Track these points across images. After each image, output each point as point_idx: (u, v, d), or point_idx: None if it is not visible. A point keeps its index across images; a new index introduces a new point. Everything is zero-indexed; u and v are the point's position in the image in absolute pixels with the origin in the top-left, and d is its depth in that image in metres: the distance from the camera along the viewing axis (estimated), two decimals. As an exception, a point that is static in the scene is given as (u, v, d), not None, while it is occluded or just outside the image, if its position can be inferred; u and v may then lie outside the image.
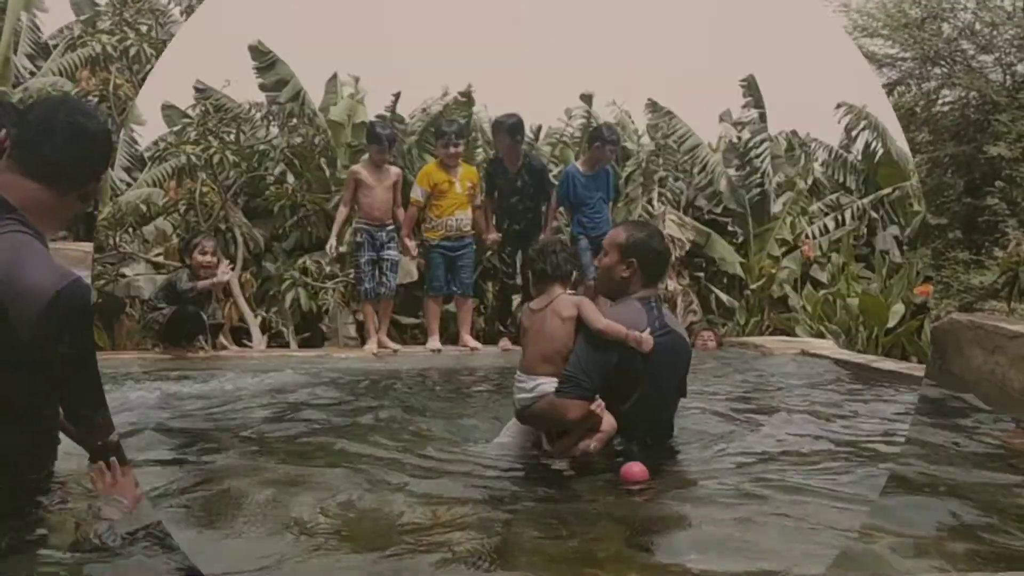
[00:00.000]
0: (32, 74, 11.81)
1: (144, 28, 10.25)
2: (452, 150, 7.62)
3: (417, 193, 7.78)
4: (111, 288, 10.07)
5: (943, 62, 9.54)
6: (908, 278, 11.52)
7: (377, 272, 7.64)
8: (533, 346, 3.63)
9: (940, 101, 10.09)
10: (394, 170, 7.88)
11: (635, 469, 3.32)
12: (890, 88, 10.75)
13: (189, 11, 10.74)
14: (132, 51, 9.98)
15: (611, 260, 3.78)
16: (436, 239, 7.70)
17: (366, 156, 8.00)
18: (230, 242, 10.60)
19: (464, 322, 7.99)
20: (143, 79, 10.22)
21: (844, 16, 10.51)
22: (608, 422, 3.54)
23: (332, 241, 7.79)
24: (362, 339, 8.75)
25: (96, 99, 10.29)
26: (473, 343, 7.86)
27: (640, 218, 11.93)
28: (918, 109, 10.02)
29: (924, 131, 10.01)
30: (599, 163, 8.02)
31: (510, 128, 7.78)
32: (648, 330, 3.55)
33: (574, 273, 3.86)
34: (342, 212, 7.77)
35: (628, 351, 3.50)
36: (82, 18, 12.00)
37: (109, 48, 10.11)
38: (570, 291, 3.81)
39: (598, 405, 3.50)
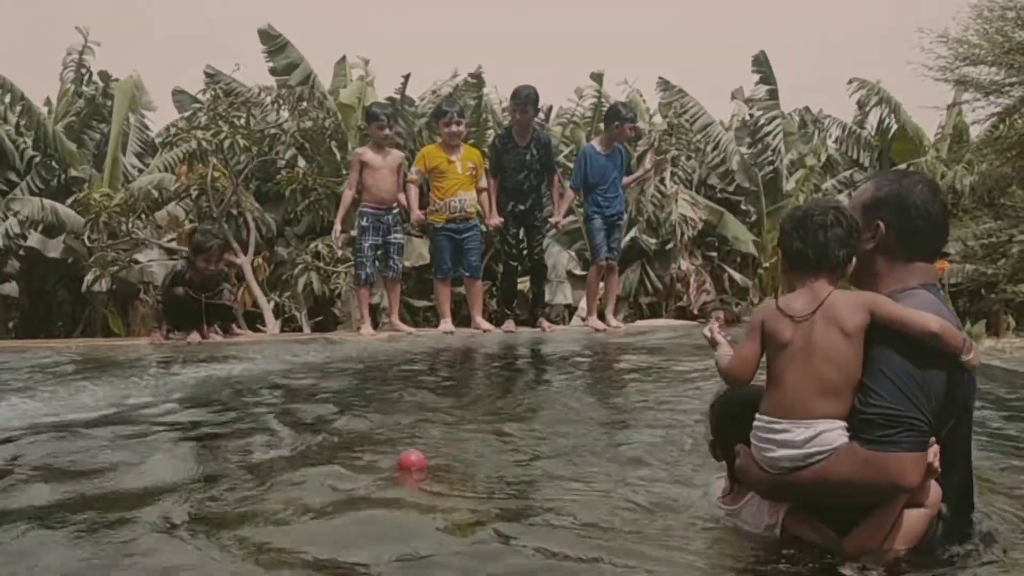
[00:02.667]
0: (140, 171, 12.06)
1: (239, 120, 10.50)
2: (454, 128, 7.49)
3: (413, 172, 7.69)
4: (125, 274, 10.14)
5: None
6: (923, 254, 11.43)
7: (383, 256, 7.56)
8: (802, 372, 2.32)
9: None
10: (397, 152, 7.79)
11: (413, 458, 2.99)
12: (1002, 116, 10.45)
13: (279, 100, 10.95)
14: (226, 143, 10.20)
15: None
16: (440, 222, 7.58)
17: (371, 139, 7.91)
18: (242, 227, 10.64)
19: (475, 304, 7.89)
20: (240, 170, 10.46)
21: (943, 46, 10.16)
22: (934, 491, 2.26)
23: (337, 227, 7.71)
24: (374, 321, 8.75)
25: (196, 192, 10.51)
26: (486, 325, 7.78)
27: (653, 198, 11.85)
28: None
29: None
30: (617, 142, 7.96)
31: (533, 100, 7.68)
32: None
33: (851, 259, 2.41)
34: (348, 196, 7.61)
35: (954, 369, 2.27)
36: (185, 115, 12.18)
37: (204, 143, 10.35)
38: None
39: (934, 452, 2.22)
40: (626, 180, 8.28)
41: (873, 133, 14.28)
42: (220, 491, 2.83)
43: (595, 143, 8.08)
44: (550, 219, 7.96)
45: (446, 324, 7.69)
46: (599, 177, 7.80)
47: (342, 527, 2.42)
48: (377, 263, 7.55)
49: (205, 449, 3.76)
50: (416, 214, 7.72)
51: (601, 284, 8.17)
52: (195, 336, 6.91)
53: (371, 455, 3.39)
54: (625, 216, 8.52)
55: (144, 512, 2.48)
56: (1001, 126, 10.70)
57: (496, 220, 7.71)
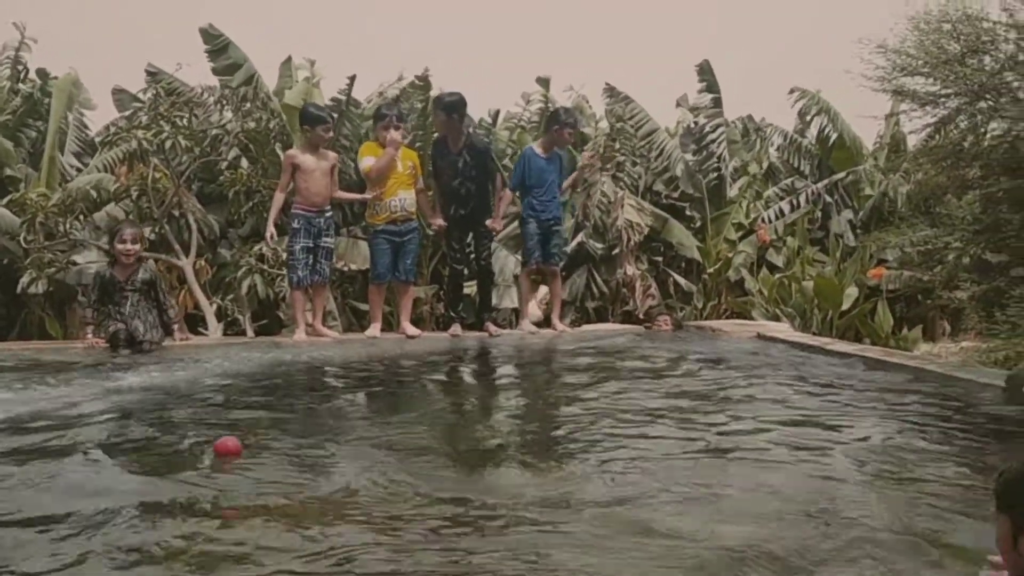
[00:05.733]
0: (79, 171, 11.69)
1: (181, 120, 10.26)
2: (393, 133, 7.43)
3: (369, 161, 7.52)
4: (62, 276, 9.90)
5: (988, 96, 9.33)
6: (862, 261, 11.71)
7: (312, 259, 7.41)
8: None
9: (989, 135, 9.85)
10: (332, 154, 7.66)
11: (230, 444, 3.38)
12: (937, 127, 10.64)
13: (222, 101, 10.77)
14: (168, 144, 9.98)
15: None
16: (381, 223, 7.50)
17: (303, 140, 7.73)
18: (184, 228, 10.46)
19: (404, 308, 7.78)
20: (182, 171, 10.25)
21: (882, 57, 10.30)
22: None
23: (270, 229, 7.56)
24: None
25: (136, 192, 10.27)
26: (412, 330, 7.66)
27: (600, 204, 11.92)
28: (966, 144, 9.87)
29: (975, 167, 9.88)
30: (557, 146, 7.98)
31: (446, 105, 7.57)
32: None
33: None
34: (279, 198, 7.45)
35: None
36: (125, 114, 11.88)
37: (145, 143, 10.10)
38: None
39: None
40: (564, 184, 8.33)
41: (814, 142, 14.55)
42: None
43: (535, 146, 8.12)
44: (487, 222, 7.85)
45: (374, 329, 7.62)
46: (536, 179, 7.82)
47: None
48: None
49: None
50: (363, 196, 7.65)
51: (545, 289, 8.21)
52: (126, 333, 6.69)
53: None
54: (563, 221, 8.54)
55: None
56: (937, 136, 10.93)
57: (439, 222, 7.67)
